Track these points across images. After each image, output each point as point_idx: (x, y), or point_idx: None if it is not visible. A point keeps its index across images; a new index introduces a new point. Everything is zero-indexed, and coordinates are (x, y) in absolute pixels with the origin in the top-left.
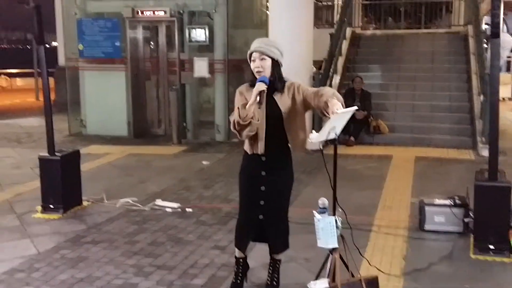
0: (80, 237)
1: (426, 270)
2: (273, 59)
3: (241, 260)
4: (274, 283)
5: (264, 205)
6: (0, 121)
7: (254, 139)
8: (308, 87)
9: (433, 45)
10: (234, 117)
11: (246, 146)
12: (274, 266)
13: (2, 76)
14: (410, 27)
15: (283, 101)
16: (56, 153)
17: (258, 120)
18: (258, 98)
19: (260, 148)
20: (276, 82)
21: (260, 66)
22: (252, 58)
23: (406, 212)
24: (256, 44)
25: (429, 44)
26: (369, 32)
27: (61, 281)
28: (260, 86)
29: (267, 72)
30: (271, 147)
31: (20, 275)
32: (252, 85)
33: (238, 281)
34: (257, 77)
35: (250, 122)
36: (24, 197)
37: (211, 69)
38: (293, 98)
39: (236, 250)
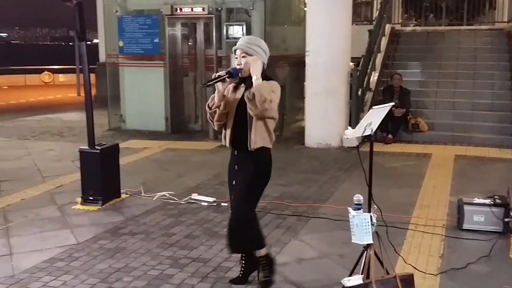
0: (118, 229)
1: (464, 270)
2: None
3: (244, 255)
4: (266, 278)
5: (233, 200)
6: (43, 115)
7: (224, 133)
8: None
9: (475, 42)
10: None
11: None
12: (261, 265)
13: (46, 72)
14: (451, 24)
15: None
16: (96, 147)
17: (225, 109)
18: (218, 85)
19: (227, 140)
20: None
21: (241, 64)
22: (235, 55)
23: (444, 211)
24: (239, 42)
25: (471, 41)
26: (409, 28)
27: (100, 270)
28: (221, 73)
29: (248, 70)
30: (242, 141)
31: (60, 264)
32: (240, 83)
33: (240, 275)
34: (241, 75)
35: (215, 111)
36: (65, 189)
37: None
38: None
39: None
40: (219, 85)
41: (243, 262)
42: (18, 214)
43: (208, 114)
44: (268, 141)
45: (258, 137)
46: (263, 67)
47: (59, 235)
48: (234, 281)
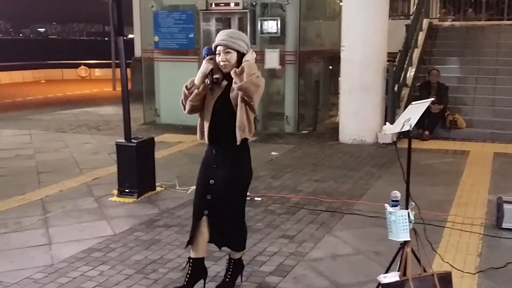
0: (153, 221)
1: (503, 269)
2: (238, 52)
3: (191, 260)
4: (227, 279)
5: (211, 200)
6: (80, 109)
7: (202, 126)
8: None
9: None
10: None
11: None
12: (228, 265)
13: (82, 66)
14: (491, 19)
15: (234, 94)
16: (132, 140)
17: (204, 91)
18: (207, 80)
19: (205, 136)
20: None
21: (226, 60)
22: (217, 52)
23: (483, 209)
24: (220, 37)
25: None
26: (447, 23)
27: (136, 261)
28: (207, 68)
29: (233, 66)
30: (222, 137)
31: (97, 254)
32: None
33: (185, 284)
34: (223, 71)
35: (192, 92)
36: (102, 181)
37: (282, 61)
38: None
39: (191, 249)
40: (208, 79)
41: (190, 269)
42: (56, 205)
43: (182, 96)
44: (248, 131)
45: (240, 131)
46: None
47: (96, 226)
48: (221, 286)
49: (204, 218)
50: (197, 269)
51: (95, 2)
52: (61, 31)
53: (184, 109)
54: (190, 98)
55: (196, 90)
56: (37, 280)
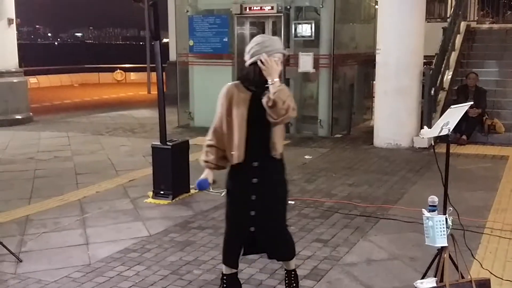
0: (187, 223)
1: None
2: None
3: (225, 278)
4: None
5: (255, 215)
6: (115, 112)
7: (230, 146)
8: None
9: None
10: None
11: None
12: (289, 278)
13: (118, 70)
14: None
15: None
16: (168, 143)
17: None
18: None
19: (236, 154)
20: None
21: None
22: (274, 58)
23: None
24: (277, 46)
25: None
26: (485, 26)
27: (171, 262)
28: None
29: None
30: (260, 150)
31: (133, 255)
32: (248, 84)
33: None
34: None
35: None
36: (137, 183)
37: (316, 64)
38: None
39: (224, 266)
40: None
41: (225, 285)
42: (93, 205)
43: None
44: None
45: (279, 143)
46: (247, 70)
47: (132, 227)
48: None
49: (248, 236)
50: (233, 284)
51: (131, 7)
52: (97, 36)
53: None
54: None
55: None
56: (75, 279)
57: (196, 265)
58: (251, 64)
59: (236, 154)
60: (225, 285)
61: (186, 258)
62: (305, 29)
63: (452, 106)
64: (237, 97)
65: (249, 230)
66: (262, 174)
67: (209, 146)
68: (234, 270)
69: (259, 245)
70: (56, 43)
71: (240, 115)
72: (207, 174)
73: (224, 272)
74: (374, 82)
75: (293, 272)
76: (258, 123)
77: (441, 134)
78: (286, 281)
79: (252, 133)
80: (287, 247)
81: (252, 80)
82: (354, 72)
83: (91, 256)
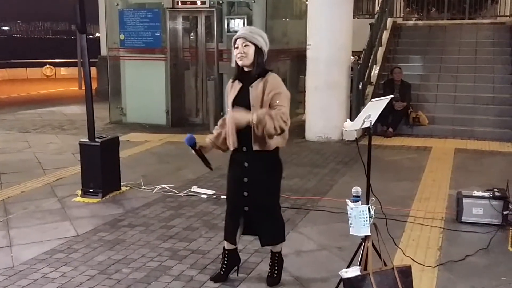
0: (117, 221)
1: (462, 262)
2: (256, 46)
3: (226, 252)
4: (274, 275)
5: (248, 196)
6: (44, 108)
7: (226, 136)
8: (277, 100)
9: (477, 36)
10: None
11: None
12: (273, 259)
13: (47, 65)
14: (453, 18)
15: (255, 94)
16: (96, 139)
17: (224, 145)
18: (202, 158)
19: (231, 142)
20: (255, 69)
21: (243, 52)
22: (235, 45)
23: (444, 204)
24: (241, 31)
25: (473, 35)
26: (410, 22)
27: (99, 262)
28: (193, 153)
29: (250, 59)
30: (249, 140)
31: (60, 255)
32: (234, 79)
33: (222, 272)
34: (239, 63)
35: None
36: (65, 181)
37: None
38: (263, 93)
39: (225, 242)
40: (202, 150)
41: (226, 258)
42: (18, 206)
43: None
44: (281, 141)
45: (265, 139)
46: (263, 59)
47: (59, 227)
48: (214, 278)
49: (241, 215)
50: (232, 258)
51: (60, 0)
52: (25, 30)
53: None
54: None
55: (215, 147)
56: None
57: (125, 264)
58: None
59: (230, 140)
60: (226, 259)
61: (115, 257)
62: (237, 24)
63: (372, 100)
64: (231, 89)
65: (244, 210)
66: (252, 159)
67: (216, 129)
68: (233, 246)
69: (253, 225)
70: None
71: (229, 105)
72: (203, 143)
73: (225, 247)
74: (305, 77)
75: (277, 255)
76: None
77: (363, 126)
78: (270, 262)
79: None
80: (276, 229)
81: (236, 72)
82: (287, 67)
83: (14, 258)
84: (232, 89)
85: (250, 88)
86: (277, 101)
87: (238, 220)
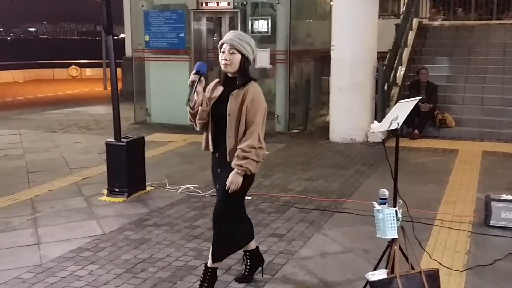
0: (143, 220)
1: (491, 266)
2: (243, 55)
3: (248, 253)
4: (246, 273)
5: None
6: (70, 109)
7: (206, 136)
8: (254, 117)
9: (505, 37)
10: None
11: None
12: (205, 274)
13: (73, 66)
14: (481, 18)
15: (233, 102)
16: (122, 139)
17: (207, 106)
18: (198, 88)
19: (209, 144)
20: (239, 78)
21: (228, 59)
22: (222, 49)
23: (471, 207)
24: (228, 36)
25: (501, 35)
26: (437, 23)
27: (125, 260)
28: (192, 77)
29: (234, 67)
30: (221, 144)
31: (87, 254)
32: (219, 81)
33: (246, 273)
34: (222, 69)
35: (197, 111)
36: (91, 181)
37: (273, 60)
38: (242, 103)
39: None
40: (198, 89)
41: (248, 260)
42: (45, 204)
43: (189, 115)
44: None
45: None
46: (248, 65)
47: (86, 225)
48: (240, 279)
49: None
50: (256, 258)
51: (87, 1)
52: (52, 31)
53: (196, 126)
54: (197, 117)
55: (200, 108)
56: (26, 280)
57: (151, 263)
58: None
59: (203, 143)
60: (249, 260)
61: (140, 256)
62: (261, 25)
63: (400, 101)
64: (212, 88)
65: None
66: (224, 165)
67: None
68: (252, 246)
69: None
70: (8, 38)
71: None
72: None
73: (245, 249)
74: (329, 78)
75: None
76: (220, 117)
77: (390, 128)
78: (201, 278)
79: (215, 125)
80: (216, 243)
81: (220, 75)
82: (311, 68)
83: (43, 256)
84: (213, 91)
85: (230, 96)
86: (253, 120)
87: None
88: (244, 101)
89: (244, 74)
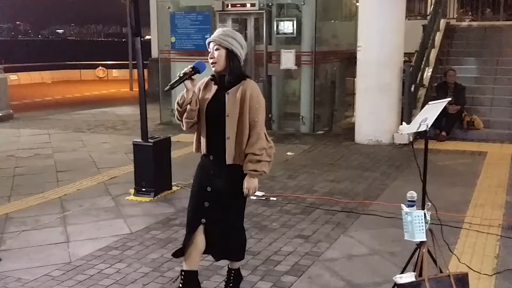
0: (169, 220)
1: None
2: (227, 50)
3: (183, 273)
4: None
5: (208, 207)
6: (97, 109)
7: (198, 136)
8: (257, 116)
9: None
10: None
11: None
12: (229, 276)
13: (100, 67)
14: (510, 19)
15: (231, 102)
16: (149, 140)
17: (196, 105)
18: (186, 84)
19: (203, 148)
20: (228, 76)
21: (214, 57)
22: (208, 49)
23: (500, 211)
24: (214, 34)
25: None
26: (464, 23)
27: (152, 259)
28: (186, 70)
29: (221, 64)
30: (219, 149)
31: (115, 252)
32: (212, 79)
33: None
34: (212, 69)
35: (186, 109)
36: (119, 180)
37: (298, 61)
38: (241, 103)
39: (184, 261)
40: (187, 84)
41: (181, 283)
42: (74, 203)
43: (176, 113)
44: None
45: (240, 152)
46: (240, 62)
47: (113, 224)
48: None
49: (201, 227)
50: (190, 283)
51: (113, 3)
52: (79, 32)
53: (183, 126)
54: (185, 116)
55: (188, 106)
56: (55, 277)
57: (178, 262)
58: None
59: (194, 145)
60: (181, 283)
61: (167, 255)
62: (287, 26)
63: (430, 103)
64: (204, 87)
65: (200, 222)
66: (220, 168)
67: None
68: (193, 267)
69: (210, 240)
70: (37, 39)
71: (203, 108)
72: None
73: (183, 268)
74: (356, 79)
75: (233, 272)
76: (216, 118)
77: (419, 130)
78: (226, 280)
79: (211, 126)
80: (234, 245)
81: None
82: (336, 69)
83: (72, 254)
84: (205, 91)
85: (226, 95)
86: (256, 119)
87: (194, 232)
88: (244, 101)
89: (234, 71)
